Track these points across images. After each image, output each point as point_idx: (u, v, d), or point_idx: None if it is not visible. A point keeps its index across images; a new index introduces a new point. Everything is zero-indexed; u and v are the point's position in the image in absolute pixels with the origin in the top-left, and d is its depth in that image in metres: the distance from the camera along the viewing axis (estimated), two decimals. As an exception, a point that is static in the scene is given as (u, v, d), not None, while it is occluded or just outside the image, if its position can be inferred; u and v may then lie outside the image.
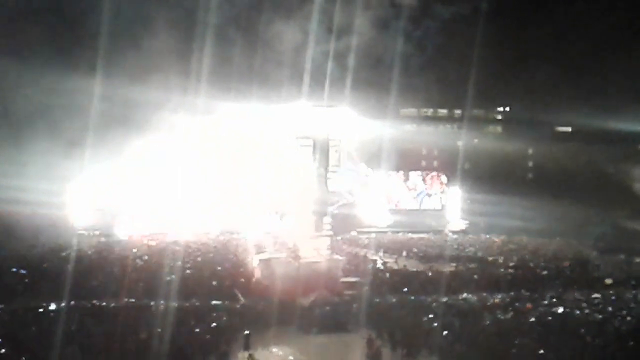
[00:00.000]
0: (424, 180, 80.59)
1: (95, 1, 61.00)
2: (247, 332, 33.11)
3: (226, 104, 62.75)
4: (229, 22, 57.82)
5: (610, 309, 37.91)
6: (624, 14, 71.86)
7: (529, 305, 38.09)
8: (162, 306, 35.32)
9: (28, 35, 63.00)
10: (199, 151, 66.07)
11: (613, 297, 40.90)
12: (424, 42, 66.39)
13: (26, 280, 40.99)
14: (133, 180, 67.13)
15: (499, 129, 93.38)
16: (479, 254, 56.84)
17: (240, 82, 60.62)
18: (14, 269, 42.80)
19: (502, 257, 54.99)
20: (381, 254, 56.17)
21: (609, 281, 46.23)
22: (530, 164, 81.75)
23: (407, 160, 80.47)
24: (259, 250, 48.02)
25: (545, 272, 48.69)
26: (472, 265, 51.35)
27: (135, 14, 58.82)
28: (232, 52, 58.98)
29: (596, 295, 41.08)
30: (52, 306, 34.86)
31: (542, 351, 30.18)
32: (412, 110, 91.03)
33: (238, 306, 37.69)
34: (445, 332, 32.90)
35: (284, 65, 55.14)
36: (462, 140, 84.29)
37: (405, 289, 41.75)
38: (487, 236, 65.68)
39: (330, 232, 56.09)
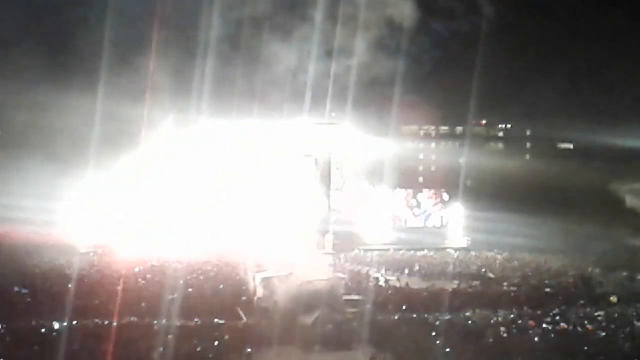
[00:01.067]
0: (425, 197, 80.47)
1: (89, 19, 61.15)
2: (249, 350, 33.05)
3: (227, 121, 62.80)
4: (230, 40, 57.93)
5: (613, 326, 37.84)
6: (626, 30, 71.99)
7: (532, 322, 38.02)
8: (164, 325, 35.28)
9: (20, 55, 63.19)
10: (200, 168, 66.06)
11: (616, 315, 40.81)
12: (425, 60, 66.55)
13: (28, 299, 40.90)
14: (132, 198, 67.07)
15: (500, 146, 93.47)
16: (482, 271, 56.66)
17: (241, 100, 60.73)
18: (16, 289, 42.73)
19: (504, 275, 54.85)
20: (383, 271, 55.97)
21: (614, 299, 46.06)
22: (532, 181, 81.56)
23: (409, 178, 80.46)
24: (261, 268, 47.97)
25: (548, 290, 48.53)
26: (475, 283, 51.22)
27: (134, 29, 58.95)
28: (234, 70, 59.06)
29: (600, 312, 40.99)
30: (55, 326, 34.83)
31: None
32: (413, 128, 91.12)
33: (240, 325, 37.61)
34: (448, 350, 32.81)
35: (286, 83, 55.21)
36: (464, 157, 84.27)
37: (408, 307, 41.62)
38: (490, 253, 65.44)
39: (333, 250, 56.11)
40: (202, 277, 49.58)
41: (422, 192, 79.99)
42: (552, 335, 35.87)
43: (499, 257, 63.70)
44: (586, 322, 38.59)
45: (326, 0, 54.47)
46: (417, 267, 57.81)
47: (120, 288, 44.27)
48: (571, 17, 74.46)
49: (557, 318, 39.33)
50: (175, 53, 59.80)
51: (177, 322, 36.05)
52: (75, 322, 35.28)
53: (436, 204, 79.36)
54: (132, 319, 36.91)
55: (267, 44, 55.39)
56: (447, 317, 38.74)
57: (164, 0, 59.97)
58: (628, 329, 37.47)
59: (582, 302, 44.26)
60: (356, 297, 43.36)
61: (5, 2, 65.07)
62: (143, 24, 59.49)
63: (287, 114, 58.87)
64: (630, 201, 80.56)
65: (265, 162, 62.25)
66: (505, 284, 50.89)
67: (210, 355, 32.15)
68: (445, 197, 79.27)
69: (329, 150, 59.04)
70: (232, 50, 58.95)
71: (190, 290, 43.82)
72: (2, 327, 34.59)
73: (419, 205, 79.55)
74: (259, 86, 57.83)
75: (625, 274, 55.47)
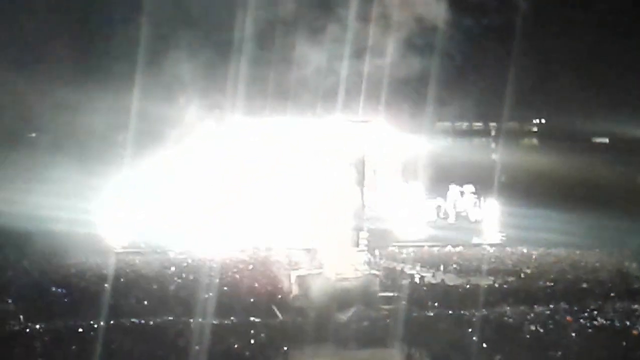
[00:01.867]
0: (459, 193, 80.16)
1: (119, 19, 61.53)
2: (285, 348, 33.13)
3: (260, 119, 62.89)
4: (261, 36, 58.01)
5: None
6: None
7: (569, 318, 37.75)
8: (200, 323, 35.43)
9: (52, 54, 63.73)
10: (233, 166, 66.21)
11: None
12: (458, 55, 66.24)
13: (65, 299, 41.25)
14: (166, 196, 67.33)
15: (534, 141, 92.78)
16: (517, 267, 56.30)
17: (273, 98, 60.80)
18: (53, 288, 43.12)
19: (540, 270, 54.50)
20: (418, 268, 55.91)
21: None
22: (567, 176, 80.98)
23: (443, 174, 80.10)
24: (295, 266, 48.07)
25: (584, 285, 48.16)
26: (510, 279, 50.94)
27: (163, 29, 59.19)
28: (265, 67, 59.12)
29: (638, 307, 40.60)
30: (91, 325, 35.09)
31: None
32: (446, 124, 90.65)
33: (276, 322, 37.69)
34: (484, 346, 32.70)
35: (317, 81, 55.19)
36: (498, 153, 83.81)
37: (443, 303, 41.49)
38: (525, 249, 65.09)
39: (367, 247, 56.05)
40: (236, 276, 49.74)
41: (455, 188, 79.72)
42: (590, 331, 35.61)
43: (535, 252, 63.30)
44: (624, 317, 38.26)
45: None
46: (452, 264, 57.64)
47: (155, 287, 44.64)
48: (608, 6, 73.58)
49: (595, 313, 39.01)
50: (207, 51, 59.92)
51: (212, 321, 36.16)
52: (111, 322, 35.51)
53: (470, 199, 79.08)
54: (168, 317, 37.09)
55: (298, 41, 55.36)
56: (483, 314, 38.54)
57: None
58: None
59: (619, 297, 43.90)
60: (391, 294, 43.36)
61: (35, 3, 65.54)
62: (169, 21, 59.75)
63: (319, 111, 58.85)
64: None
65: (298, 159, 62.27)
66: (541, 279, 50.57)
67: (247, 353, 32.29)
68: (480, 193, 78.95)
69: (362, 147, 58.75)
70: (263, 49, 59.07)
71: (225, 288, 43.95)
72: (39, 326, 34.93)
73: (452, 201, 79.32)
74: (290, 84, 57.83)
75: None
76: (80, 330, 34.63)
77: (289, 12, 55.83)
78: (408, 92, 64.85)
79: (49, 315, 37.09)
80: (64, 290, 42.78)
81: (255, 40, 57.94)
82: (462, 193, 79.69)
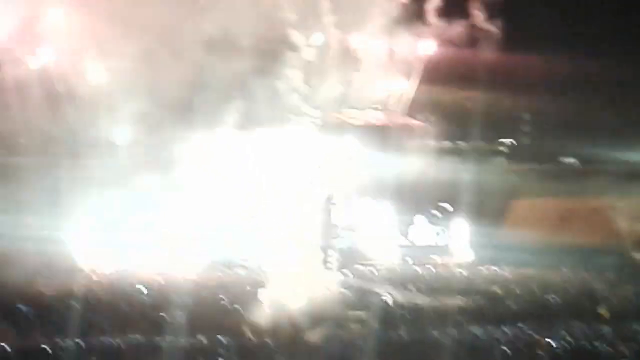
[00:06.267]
0: (429, 212, 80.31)
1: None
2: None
3: (231, 130, 62.60)
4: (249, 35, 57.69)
5: (619, 342, 37.67)
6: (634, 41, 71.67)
7: (538, 338, 37.84)
8: (168, 343, 35.14)
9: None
10: (202, 175, 65.76)
11: (623, 331, 40.66)
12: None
13: (29, 317, 40.78)
14: (136, 213, 66.90)
15: (504, 160, 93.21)
16: (487, 286, 56.49)
17: (244, 108, 60.62)
18: (18, 306, 42.61)
19: (509, 290, 54.74)
20: (387, 287, 55.85)
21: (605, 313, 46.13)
22: (536, 195, 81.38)
23: (413, 193, 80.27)
24: (264, 284, 47.85)
25: (553, 305, 48.44)
26: (480, 298, 51.11)
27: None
28: (238, 71, 58.79)
29: (606, 328, 40.81)
30: (57, 343, 34.70)
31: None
32: (416, 143, 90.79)
33: (246, 343, 37.47)
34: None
35: (288, 93, 55.00)
36: (467, 172, 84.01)
37: (412, 323, 41.48)
38: (495, 268, 65.35)
39: (336, 266, 56.00)
40: (203, 294, 49.46)
41: (425, 207, 79.86)
42: (559, 351, 35.74)
43: (504, 272, 63.56)
44: (592, 338, 38.44)
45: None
46: (421, 283, 57.72)
47: (123, 305, 44.27)
48: (580, 22, 74.07)
49: (563, 333, 39.18)
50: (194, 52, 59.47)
51: (181, 340, 35.89)
52: (78, 340, 35.12)
53: (440, 219, 79.23)
54: (136, 336, 36.75)
55: (276, 47, 55.11)
56: (453, 333, 38.57)
57: None
58: (634, 344, 37.30)
59: (587, 317, 44.11)
60: (360, 313, 43.32)
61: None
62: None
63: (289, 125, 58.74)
64: (633, 214, 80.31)
65: (265, 177, 62.16)
66: (511, 299, 50.78)
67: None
68: (449, 212, 79.12)
69: (330, 165, 58.94)
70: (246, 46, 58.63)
71: (196, 307, 43.61)
72: (5, 346, 34.50)
73: (422, 220, 79.44)
74: (262, 94, 57.52)
75: (630, 288, 55.23)
76: (46, 347, 34.29)
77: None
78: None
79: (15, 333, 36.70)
80: (30, 309, 42.33)
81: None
82: (431, 211, 79.87)
